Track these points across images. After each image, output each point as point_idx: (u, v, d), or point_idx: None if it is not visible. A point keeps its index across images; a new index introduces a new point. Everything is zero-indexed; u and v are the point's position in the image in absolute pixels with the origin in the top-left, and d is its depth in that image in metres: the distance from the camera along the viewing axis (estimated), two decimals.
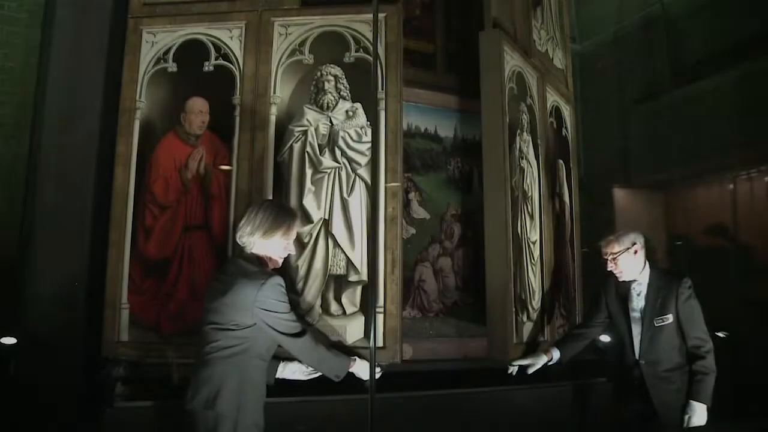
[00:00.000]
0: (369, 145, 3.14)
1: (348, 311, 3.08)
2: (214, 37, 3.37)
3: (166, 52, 3.40)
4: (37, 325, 3.25)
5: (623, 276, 3.29)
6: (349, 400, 3.05)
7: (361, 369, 2.74)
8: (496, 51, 3.61)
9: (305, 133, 3.20)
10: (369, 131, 3.16)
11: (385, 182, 3.12)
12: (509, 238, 3.49)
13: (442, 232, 4.07)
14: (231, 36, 3.36)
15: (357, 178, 3.16)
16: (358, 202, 3.14)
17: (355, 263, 3.09)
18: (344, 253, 3.10)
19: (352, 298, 3.10)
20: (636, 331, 3.25)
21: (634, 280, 3.29)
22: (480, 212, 3.65)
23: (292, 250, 2.62)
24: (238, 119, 3.27)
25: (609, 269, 3.30)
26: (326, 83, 3.23)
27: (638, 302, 3.27)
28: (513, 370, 3.37)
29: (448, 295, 4.01)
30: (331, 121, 3.20)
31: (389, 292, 3.04)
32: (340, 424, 3.13)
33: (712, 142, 6.19)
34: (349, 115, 3.20)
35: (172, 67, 3.38)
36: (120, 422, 2.91)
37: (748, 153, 5.82)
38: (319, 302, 3.09)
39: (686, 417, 3.03)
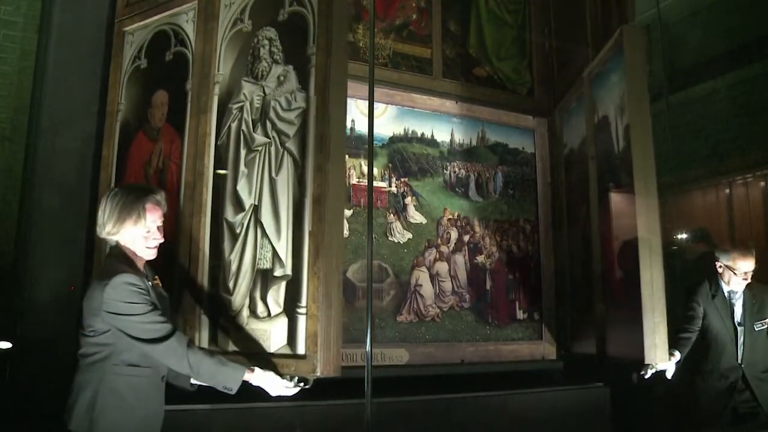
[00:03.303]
0: (299, 111, 2.70)
1: (273, 312, 2.64)
2: (175, 24, 3.21)
3: (140, 49, 3.33)
4: (32, 329, 3.24)
5: (739, 288, 3.53)
6: (346, 405, 3.05)
7: (263, 381, 2.29)
8: (638, 46, 3.41)
9: (241, 109, 2.87)
10: (299, 96, 2.71)
11: (317, 154, 2.59)
12: (659, 243, 3.33)
13: (439, 236, 4.08)
14: (187, 20, 3.17)
15: (285, 153, 2.71)
16: (285, 181, 2.69)
17: (280, 254, 2.64)
18: (271, 243, 2.67)
19: (276, 297, 2.64)
20: (739, 336, 3.48)
21: (734, 290, 3.54)
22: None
23: (158, 238, 2.25)
24: (189, 106, 3.02)
25: (731, 282, 3.51)
26: (261, 49, 2.86)
27: (738, 309, 3.52)
28: (651, 372, 3.32)
29: (444, 299, 4.01)
30: (264, 91, 2.82)
31: (311, 289, 2.49)
32: (338, 428, 3.13)
33: (708, 146, 6.21)
34: (281, 81, 2.79)
35: (143, 63, 3.29)
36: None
37: (744, 157, 5.85)
38: (247, 302, 2.70)
39: None
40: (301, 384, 2.36)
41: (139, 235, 2.20)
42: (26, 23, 4.01)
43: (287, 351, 2.52)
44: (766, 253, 4.94)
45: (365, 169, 3.85)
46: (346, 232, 3.76)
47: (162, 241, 2.27)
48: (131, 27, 3.36)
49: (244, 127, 2.82)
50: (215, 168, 2.88)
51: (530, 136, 4.53)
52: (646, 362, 3.07)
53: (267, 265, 2.66)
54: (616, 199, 3.63)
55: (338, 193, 2.58)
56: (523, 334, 4.22)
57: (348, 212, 3.79)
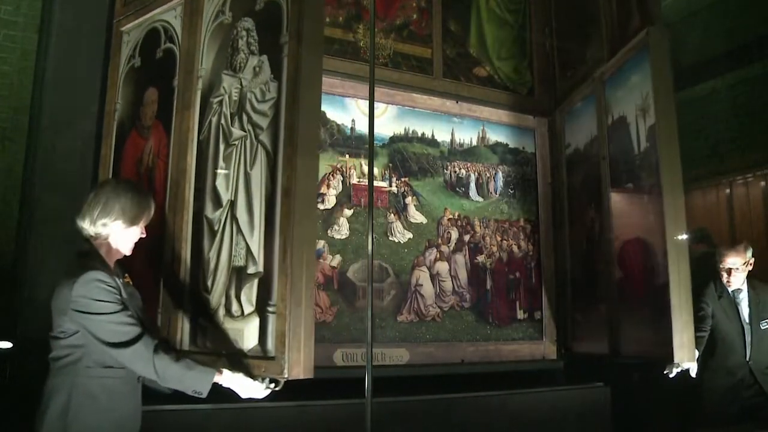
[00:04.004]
0: (272, 102, 2.59)
1: (246, 311, 2.53)
2: (165, 21, 3.16)
3: (135, 48, 3.30)
4: (32, 329, 3.23)
5: (735, 286, 3.65)
6: (346, 405, 3.05)
7: (233, 383, 2.23)
8: (664, 47, 3.44)
9: (221, 103, 2.79)
10: (272, 86, 2.61)
11: (286, 145, 2.48)
12: (687, 243, 3.32)
13: (439, 236, 4.08)
14: (175, 15, 3.11)
15: (259, 146, 2.61)
16: (258, 175, 2.59)
17: (253, 251, 2.54)
18: (245, 239, 2.59)
19: (249, 296, 2.54)
20: (747, 334, 3.61)
21: (739, 289, 3.67)
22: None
23: (139, 233, 2.27)
24: (175, 102, 2.96)
25: (725, 279, 3.65)
26: (240, 40, 2.78)
27: (744, 309, 3.65)
28: (675, 371, 3.32)
29: (444, 299, 4.01)
30: (241, 84, 2.74)
31: (279, 287, 2.38)
32: (339, 428, 3.13)
33: (708, 146, 6.21)
34: (256, 72, 2.69)
35: (137, 62, 3.26)
36: None
37: (744, 157, 5.85)
38: (223, 301, 2.61)
39: None
40: (272, 386, 2.28)
41: (138, 233, 2.23)
42: (26, 23, 4.01)
43: (259, 351, 2.41)
44: (766, 253, 4.94)
45: (365, 168, 3.85)
46: (346, 232, 3.77)
47: (143, 235, 2.29)
48: (127, 26, 3.34)
49: (223, 121, 2.74)
50: (198, 164, 2.79)
51: (531, 136, 4.53)
52: (676, 361, 3.10)
53: (241, 262, 2.57)
54: (629, 199, 3.66)
55: (308, 186, 2.45)
56: (524, 334, 4.22)
57: (348, 212, 3.80)
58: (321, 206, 3.75)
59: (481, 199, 4.28)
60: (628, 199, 3.67)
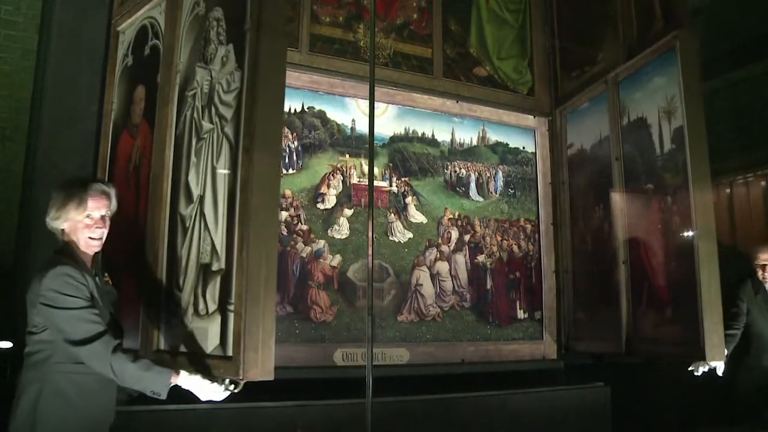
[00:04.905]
0: (236, 92, 2.47)
1: (210, 310, 2.40)
2: (152, 18, 3.10)
3: (128, 47, 3.28)
4: None
5: None
6: (347, 405, 3.05)
7: (191, 384, 2.15)
8: (694, 51, 3.49)
9: (194, 96, 2.67)
10: (237, 75, 2.48)
11: (244, 135, 2.36)
12: (715, 243, 3.36)
13: (439, 236, 4.08)
14: (160, 11, 3.04)
15: (224, 138, 2.48)
16: (223, 168, 2.49)
17: (216, 247, 2.41)
18: (210, 235, 2.47)
19: (213, 294, 2.40)
20: None
21: None
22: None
23: (101, 227, 2.22)
24: (158, 98, 2.87)
25: (761, 275, 3.69)
26: (211, 31, 2.66)
27: None
28: (702, 370, 3.33)
29: (445, 299, 4.01)
30: (211, 75, 2.63)
31: (236, 284, 2.26)
32: (339, 428, 3.13)
33: (709, 145, 6.20)
34: (224, 62, 2.58)
35: (129, 60, 3.24)
36: (117, 426, 2.90)
37: (744, 157, 5.84)
38: (192, 300, 2.48)
39: None
40: (232, 387, 2.19)
41: (81, 221, 2.17)
42: (27, 23, 4.00)
43: (220, 351, 2.30)
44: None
45: (366, 168, 3.84)
46: (346, 232, 3.77)
47: (105, 232, 2.23)
48: (122, 26, 3.33)
49: (195, 114, 2.64)
50: (174, 160, 2.70)
51: (531, 136, 4.54)
52: (708, 360, 3.11)
53: (207, 259, 2.44)
54: (646, 199, 3.68)
55: (267, 179, 2.30)
56: (524, 334, 4.22)
57: (348, 212, 3.80)
58: (321, 206, 3.75)
59: (481, 199, 4.28)
60: (644, 199, 3.68)
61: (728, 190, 6.08)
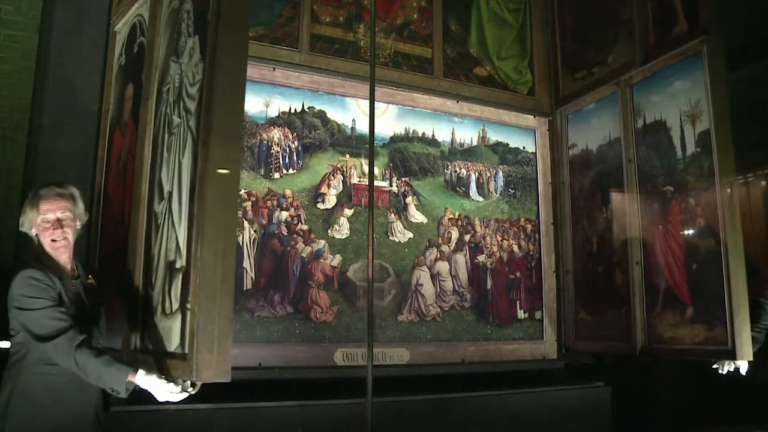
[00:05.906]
0: (199, 84, 2.36)
1: (173, 308, 2.31)
2: (141, 15, 3.06)
3: (122, 46, 3.28)
4: None
5: None
6: (347, 405, 3.05)
7: (147, 384, 2.11)
8: (721, 56, 3.53)
9: (168, 91, 2.59)
10: (200, 67, 2.37)
11: (203, 134, 2.25)
12: (742, 244, 3.43)
13: (440, 236, 4.08)
14: (147, 8, 2.98)
15: (189, 132, 2.39)
16: (187, 162, 2.37)
17: (180, 244, 2.31)
18: (176, 232, 2.37)
19: (176, 292, 2.30)
20: None
21: None
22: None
23: (57, 229, 2.23)
24: (141, 95, 2.80)
25: None
26: (182, 24, 2.57)
27: None
28: (728, 369, 3.34)
29: (445, 299, 4.01)
30: (181, 68, 2.52)
31: (192, 282, 2.16)
32: (339, 428, 3.13)
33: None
34: (191, 54, 2.48)
35: (123, 59, 3.24)
36: (117, 427, 2.90)
37: (744, 157, 5.84)
38: (161, 298, 2.40)
39: None
40: (190, 389, 2.13)
41: (40, 225, 2.23)
42: (27, 23, 4.00)
43: (180, 351, 2.19)
44: (767, 253, 4.94)
45: (366, 168, 3.84)
46: (346, 232, 3.77)
47: (63, 235, 2.25)
48: (118, 25, 3.33)
49: (168, 109, 2.56)
50: (152, 157, 2.62)
51: (531, 136, 4.54)
52: (738, 359, 3.13)
53: (172, 256, 2.35)
54: (661, 200, 3.71)
55: (225, 173, 2.19)
56: (524, 334, 4.22)
57: (349, 212, 3.80)
58: (321, 206, 3.75)
59: (481, 199, 4.28)
60: (661, 201, 3.69)
61: (728, 191, 6.08)
